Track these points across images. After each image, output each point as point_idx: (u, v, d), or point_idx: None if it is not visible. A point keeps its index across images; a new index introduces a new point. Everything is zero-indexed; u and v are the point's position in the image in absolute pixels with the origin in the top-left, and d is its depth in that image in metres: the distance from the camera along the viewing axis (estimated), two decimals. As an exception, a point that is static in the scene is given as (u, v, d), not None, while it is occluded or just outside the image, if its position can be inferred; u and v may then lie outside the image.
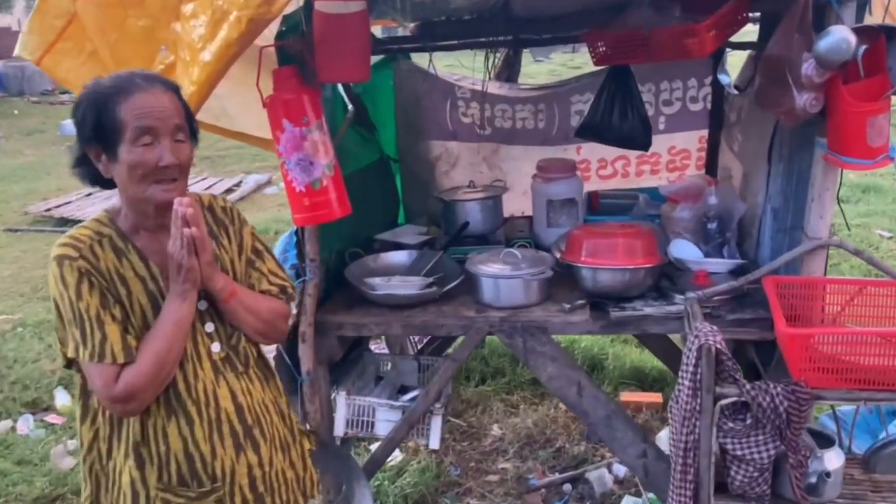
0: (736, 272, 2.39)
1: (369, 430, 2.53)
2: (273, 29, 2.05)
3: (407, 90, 3.46)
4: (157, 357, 1.51)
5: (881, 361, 1.79)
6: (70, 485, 3.21)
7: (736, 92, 2.57)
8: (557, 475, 3.20)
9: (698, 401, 1.84)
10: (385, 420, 2.51)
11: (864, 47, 1.81)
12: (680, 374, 1.91)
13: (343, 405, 2.50)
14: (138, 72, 1.57)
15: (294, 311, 2.34)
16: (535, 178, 3.00)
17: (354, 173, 2.73)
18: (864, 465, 2.09)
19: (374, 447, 2.99)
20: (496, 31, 2.96)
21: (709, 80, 3.21)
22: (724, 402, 1.84)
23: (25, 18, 2.14)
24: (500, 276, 2.36)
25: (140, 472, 1.58)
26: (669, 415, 1.99)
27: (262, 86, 2.02)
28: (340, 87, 2.88)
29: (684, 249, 2.52)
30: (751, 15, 2.33)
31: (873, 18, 2.01)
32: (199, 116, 2.08)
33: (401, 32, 3.32)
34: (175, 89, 1.58)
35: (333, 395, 2.52)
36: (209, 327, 1.63)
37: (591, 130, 2.98)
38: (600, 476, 3.13)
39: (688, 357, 1.87)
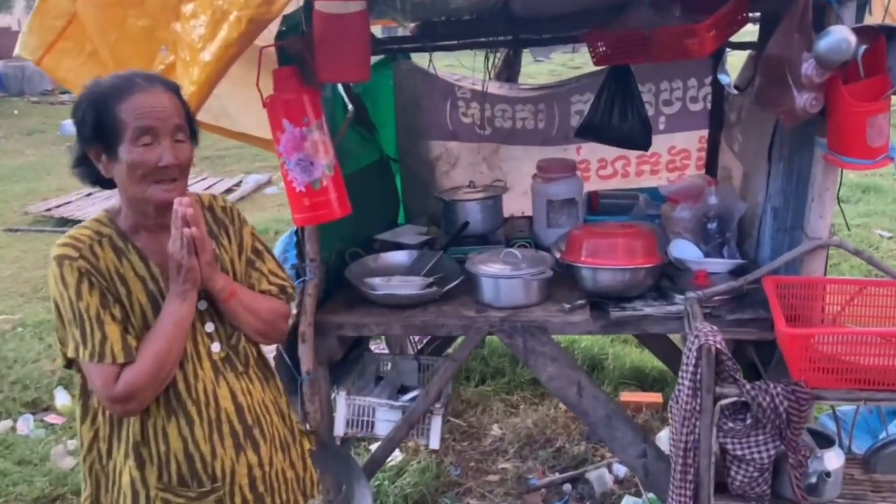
0: (736, 272, 2.39)
1: (369, 430, 2.53)
2: (273, 29, 2.05)
3: (407, 90, 3.46)
4: (157, 357, 1.51)
5: (881, 361, 1.79)
6: (70, 485, 3.21)
7: (736, 92, 2.57)
8: (557, 475, 3.20)
9: (698, 401, 1.84)
10: (385, 420, 2.51)
11: (864, 47, 1.81)
12: (680, 374, 1.91)
13: (343, 405, 2.50)
14: (138, 72, 1.57)
15: (294, 311, 2.35)
16: (535, 178, 3.00)
17: (354, 173, 2.73)
18: (865, 465, 2.09)
19: (374, 447, 2.99)
20: (496, 31, 2.96)
21: (709, 79, 3.21)
22: (724, 402, 1.84)
23: (26, 18, 2.14)
24: (500, 276, 2.36)
25: (140, 472, 1.58)
26: (669, 415, 1.99)
27: (262, 86, 2.02)
28: (340, 87, 2.88)
29: (684, 249, 2.52)
30: (751, 15, 2.33)
31: (873, 18, 2.01)
32: (200, 116, 2.08)
33: (401, 32, 3.32)
34: (175, 89, 1.58)
35: (333, 395, 2.52)
36: (209, 327, 1.63)
37: (591, 130, 2.98)
38: (600, 476, 3.13)
39: (688, 357, 1.87)
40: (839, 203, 2.11)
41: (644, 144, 2.97)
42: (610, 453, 3.24)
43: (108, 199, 1.63)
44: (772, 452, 1.84)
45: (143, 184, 1.50)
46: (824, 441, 1.96)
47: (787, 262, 2.11)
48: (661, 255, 2.39)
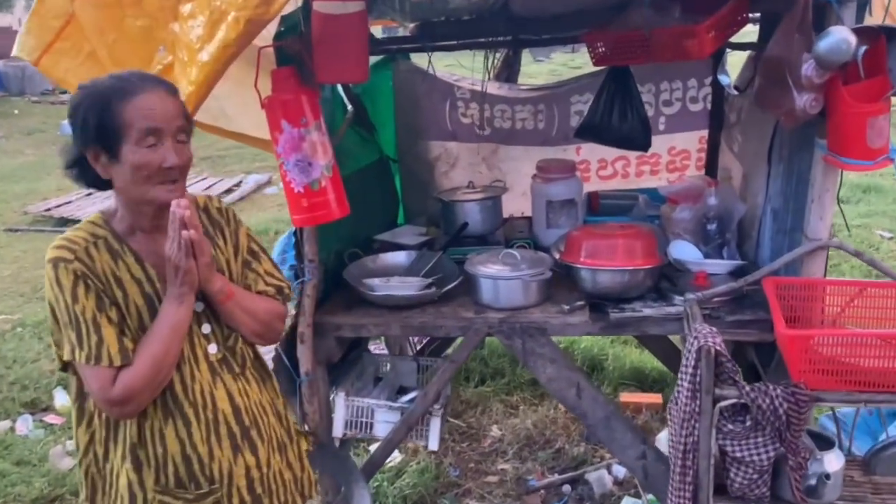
0: (736, 273, 2.38)
1: (368, 431, 2.52)
2: (272, 29, 2.04)
3: (406, 90, 3.45)
4: (154, 360, 1.50)
5: (881, 363, 1.78)
6: (69, 485, 3.21)
7: (736, 92, 2.57)
8: (557, 476, 3.20)
9: (697, 402, 1.84)
10: (384, 421, 2.50)
11: (864, 48, 1.80)
12: (679, 375, 1.91)
13: (342, 406, 2.50)
14: (136, 72, 1.57)
15: (291, 311, 2.34)
16: (535, 178, 2.99)
17: (354, 174, 2.72)
18: (865, 466, 2.09)
19: (373, 448, 2.98)
20: (495, 31, 2.95)
21: (709, 80, 3.20)
22: (723, 403, 1.83)
23: (26, 18, 2.14)
24: (500, 276, 2.36)
25: (137, 475, 1.57)
26: (668, 416, 1.99)
27: (260, 86, 2.01)
28: (340, 88, 2.88)
29: (684, 250, 2.51)
30: (751, 15, 2.32)
31: (873, 19, 2.00)
32: (198, 117, 2.08)
33: (401, 32, 3.32)
34: (175, 91, 1.58)
35: (332, 396, 2.52)
36: (206, 329, 1.63)
37: (590, 131, 2.97)
38: (600, 477, 3.13)
39: (687, 359, 1.86)
40: (839, 204, 2.11)
41: (643, 145, 2.96)
42: (609, 454, 3.23)
43: (108, 199, 1.62)
44: (771, 454, 1.83)
45: (147, 185, 1.50)
46: (824, 443, 1.95)
47: (787, 263, 2.10)
48: (660, 256, 2.38)
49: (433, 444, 2.50)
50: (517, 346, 2.30)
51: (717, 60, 2.77)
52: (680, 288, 2.32)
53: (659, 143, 3.24)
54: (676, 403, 1.91)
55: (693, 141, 3.37)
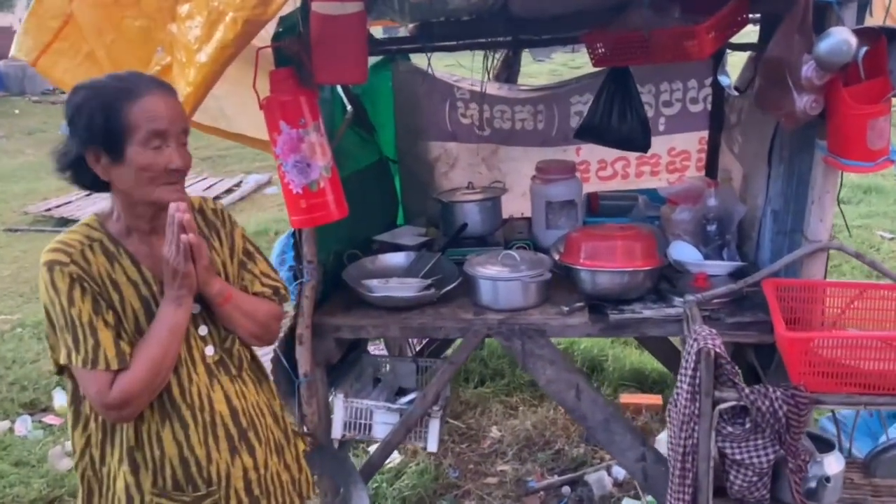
0: (735, 275, 2.37)
1: (367, 432, 2.52)
2: (270, 30, 2.04)
3: (406, 91, 3.45)
4: (152, 363, 1.49)
5: (882, 366, 1.77)
6: (68, 486, 3.20)
7: (736, 93, 2.56)
8: (556, 477, 3.19)
9: (697, 405, 1.83)
10: (383, 423, 2.50)
11: (864, 49, 1.79)
12: (678, 377, 1.90)
13: (340, 407, 2.49)
14: (136, 73, 1.56)
15: (291, 311, 2.34)
16: (535, 179, 2.99)
17: (353, 174, 2.72)
18: (865, 469, 2.08)
19: (372, 449, 2.98)
20: (495, 31, 2.95)
21: (709, 81, 3.20)
22: (722, 406, 1.83)
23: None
24: (499, 278, 2.35)
25: (134, 478, 1.57)
26: (668, 418, 1.98)
27: (259, 87, 2.01)
28: (339, 88, 2.87)
29: (684, 251, 2.50)
30: (751, 16, 2.32)
31: (874, 20, 1.99)
32: (197, 117, 2.08)
33: (402, 32, 3.31)
34: (175, 92, 1.57)
35: (331, 397, 2.51)
36: (203, 330, 1.62)
37: (590, 132, 2.97)
38: (599, 478, 3.12)
39: (686, 361, 1.86)
40: (839, 205, 2.10)
41: (643, 146, 2.96)
42: (609, 456, 3.22)
43: (108, 199, 1.61)
44: (771, 457, 1.82)
45: (152, 185, 1.49)
46: (824, 445, 1.95)
47: (787, 264, 2.10)
48: (660, 258, 2.38)
49: (432, 446, 2.50)
50: (516, 347, 2.30)
51: (718, 61, 2.77)
52: (679, 289, 2.31)
53: (659, 143, 3.23)
54: (676, 405, 1.90)
55: (693, 142, 3.36)
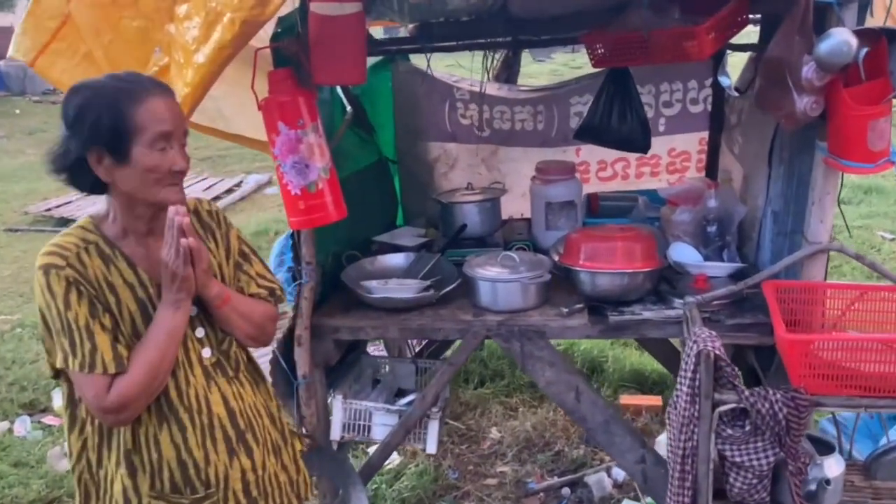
0: (736, 276, 2.37)
1: (366, 434, 2.51)
2: (269, 30, 2.03)
3: (405, 92, 3.44)
4: (149, 366, 1.49)
5: (882, 368, 1.77)
6: (66, 487, 3.20)
7: (736, 94, 2.55)
8: (556, 479, 3.19)
9: (697, 407, 1.82)
10: (382, 424, 2.49)
11: (865, 50, 1.79)
12: (678, 379, 1.90)
13: (339, 409, 2.49)
14: (135, 74, 1.55)
15: (289, 312, 2.33)
16: (534, 179, 2.98)
17: (353, 175, 2.71)
18: (865, 471, 2.08)
19: (371, 450, 2.97)
20: (495, 32, 2.94)
21: (709, 81, 3.19)
22: (722, 408, 1.82)
23: (23, 18, 2.13)
24: (498, 279, 2.34)
25: (132, 480, 1.56)
26: (668, 420, 1.98)
27: (257, 88, 2.00)
28: (339, 89, 2.87)
29: (684, 253, 2.50)
30: (751, 17, 2.31)
31: (875, 20, 1.99)
32: (196, 118, 2.07)
33: (402, 33, 3.30)
34: (174, 94, 1.57)
35: (330, 398, 2.51)
36: (199, 333, 1.61)
37: (590, 132, 2.96)
38: (599, 480, 3.11)
39: (686, 363, 1.85)
40: (839, 205, 2.09)
41: (643, 147, 2.95)
42: (609, 457, 3.22)
43: (104, 201, 1.60)
44: (771, 459, 1.82)
45: (157, 186, 1.49)
46: (824, 447, 1.94)
47: (788, 266, 2.09)
48: (660, 259, 2.37)
49: (431, 448, 2.49)
50: (515, 349, 2.29)
51: (718, 62, 2.76)
52: (679, 291, 2.31)
53: (659, 144, 3.22)
54: (675, 408, 1.90)
55: (693, 142, 3.36)
